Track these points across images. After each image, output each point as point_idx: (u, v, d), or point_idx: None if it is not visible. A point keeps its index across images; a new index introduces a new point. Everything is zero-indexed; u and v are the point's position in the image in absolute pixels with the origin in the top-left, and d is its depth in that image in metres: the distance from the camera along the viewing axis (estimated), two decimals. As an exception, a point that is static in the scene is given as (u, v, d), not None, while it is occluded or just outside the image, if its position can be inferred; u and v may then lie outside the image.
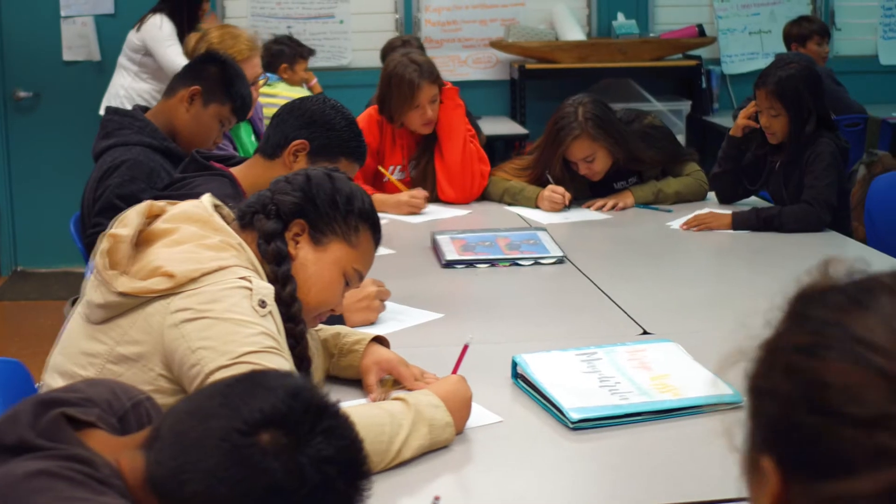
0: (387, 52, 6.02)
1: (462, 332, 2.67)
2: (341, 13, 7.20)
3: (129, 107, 4.70)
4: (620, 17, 7.16)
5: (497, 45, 7.02)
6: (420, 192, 4.12)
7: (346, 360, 2.30)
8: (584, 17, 7.28)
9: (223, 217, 2.11)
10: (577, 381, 2.21)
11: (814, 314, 0.94)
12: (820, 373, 0.89)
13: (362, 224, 2.11)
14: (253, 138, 4.25)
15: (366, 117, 4.31)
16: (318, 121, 2.84)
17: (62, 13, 6.96)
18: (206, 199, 2.09)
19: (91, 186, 3.29)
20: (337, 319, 2.64)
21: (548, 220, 3.98)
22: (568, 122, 4.02)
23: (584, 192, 4.23)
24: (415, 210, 4.07)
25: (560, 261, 3.33)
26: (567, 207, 4.09)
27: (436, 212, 4.14)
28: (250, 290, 1.91)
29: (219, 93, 3.36)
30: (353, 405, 2.05)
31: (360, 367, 2.28)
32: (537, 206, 4.12)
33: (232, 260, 1.95)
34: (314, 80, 6.37)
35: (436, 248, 3.45)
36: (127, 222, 1.98)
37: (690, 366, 2.28)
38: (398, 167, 4.31)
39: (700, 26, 7.01)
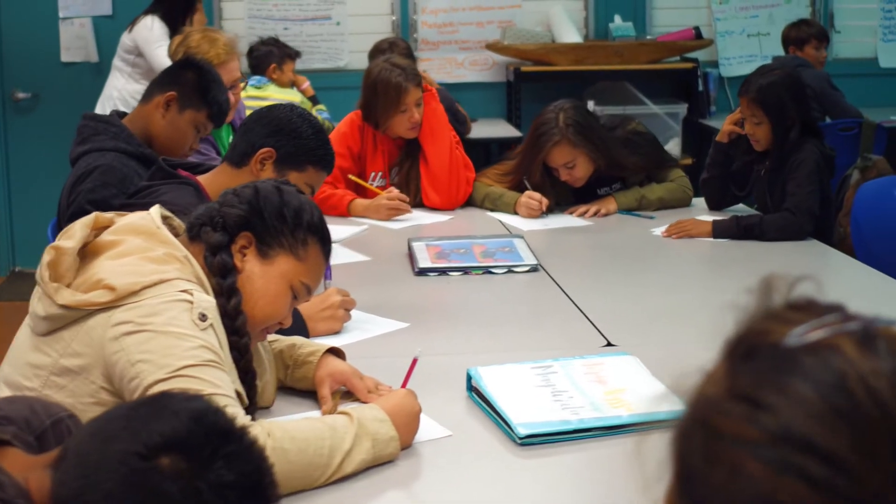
0: (373, 54, 6.01)
1: (425, 343, 2.67)
2: (338, 15, 7.19)
3: (122, 108, 4.72)
4: (617, 19, 7.14)
5: (493, 47, 7.00)
6: (395, 192, 4.10)
7: (301, 371, 2.30)
8: (581, 20, 7.26)
9: (174, 228, 2.11)
10: (530, 395, 2.19)
11: (743, 387, 0.84)
12: (739, 468, 0.81)
13: (311, 237, 2.09)
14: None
15: (348, 122, 4.31)
16: (284, 129, 2.83)
17: (60, 14, 6.98)
18: (155, 211, 2.08)
19: (66, 192, 3.29)
20: (301, 329, 2.64)
21: (528, 226, 3.97)
22: (548, 127, 4.01)
23: (567, 198, 4.21)
24: (395, 211, 4.06)
25: (534, 269, 3.32)
26: (546, 213, 4.07)
27: (418, 217, 4.13)
28: (191, 303, 1.90)
29: (195, 99, 3.35)
30: (295, 418, 2.05)
31: (313, 378, 2.27)
32: (516, 212, 4.11)
33: (174, 273, 1.95)
34: (306, 84, 6.38)
35: (411, 256, 3.44)
36: (71, 234, 1.98)
37: (647, 380, 2.26)
38: (379, 174, 4.30)
39: (697, 29, 6.98)
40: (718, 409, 0.84)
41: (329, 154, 2.90)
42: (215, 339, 1.92)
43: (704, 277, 3.40)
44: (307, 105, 6.16)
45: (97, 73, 6.88)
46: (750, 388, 0.83)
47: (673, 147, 6.85)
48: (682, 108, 6.91)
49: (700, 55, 7.10)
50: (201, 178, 2.87)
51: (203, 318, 1.90)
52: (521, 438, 2.04)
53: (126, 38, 6.03)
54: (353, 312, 2.82)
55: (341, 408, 2.09)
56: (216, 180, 2.86)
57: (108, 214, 2.07)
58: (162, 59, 5.66)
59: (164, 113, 3.35)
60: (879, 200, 4.15)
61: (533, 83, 7.00)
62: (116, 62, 6.09)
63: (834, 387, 0.80)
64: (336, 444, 1.90)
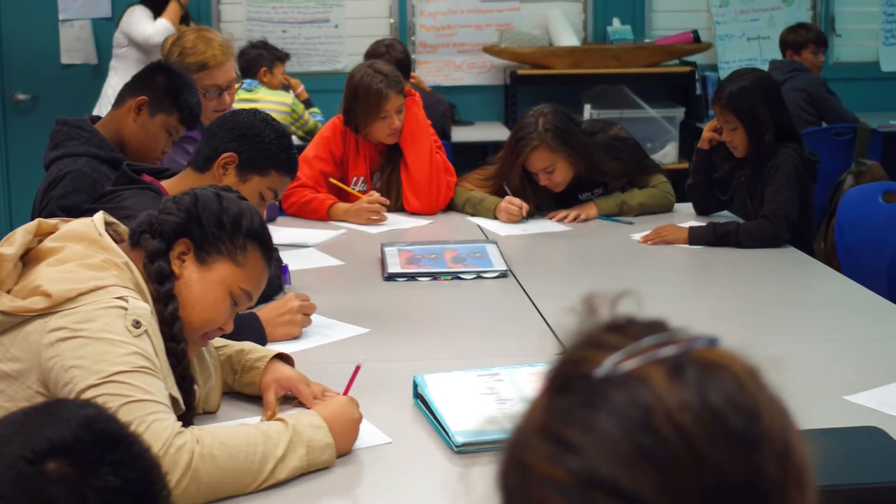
0: (369, 55, 6.02)
1: (383, 349, 2.69)
2: (336, 18, 7.21)
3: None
4: (616, 22, 7.13)
5: (490, 50, 7.01)
6: (375, 195, 4.11)
7: (248, 376, 2.31)
8: (580, 23, 7.26)
9: (119, 235, 2.12)
10: (473, 402, 2.20)
11: (553, 423, 0.82)
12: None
13: (250, 243, 2.10)
14: None
15: (330, 127, 4.32)
16: (247, 133, 2.85)
17: (60, 16, 7.02)
18: (98, 218, 2.10)
19: (38, 197, 3.31)
20: (258, 334, 2.66)
21: (506, 231, 3.97)
22: (527, 132, 4.01)
23: (548, 203, 4.21)
24: (374, 214, 4.07)
25: (503, 275, 3.32)
26: (526, 218, 4.07)
27: (398, 222, 4.14)
28: (125, 309, 1.92)
29: (166, 103, 3.36)
30: (230, 424, 2.06)
31: (259, 384, 2.28)
32: (497, 217, 4.11)
33: (111, 279, 1.96)
34: (301, 88, 6.40)
35: (382, 261, 3.44)
36: (12, 241, 2.00)
37: (591, 388, 2.26)
38: (361, 178, 4.31)
39: (695, 32, 6.97)
40: (530, 447, 0.82)
41: (292, 159, 2.91)
42: (150, 345, 1.93)
43: (675, 285, 3.39)
44: (300, 108, 6.18)
45: (96, 74, 6.91)
46: (559, 425, 0.81)
47: (670, 151, 6.85)
48: (679, 112, 6.90)
49: (699, 59, 7.09)
50: (166, 183, 2.89)
51: (137, 324, 1.91)
52: (457, 446, 2.05)
53: (116, 34, 6.12)
54: (314, 317, 2.83)
55: (281, 414, 2.10)
56: (180, 185, 2.86)
57: (52, 221, 2.09)
58: (142, 29, 5.80)
59: (135, 117, 3.36)
60: (864, 207, 4.13)
61: (530, 86, 7.00)
62: (112, 62, 6.16)
63: (639, 424, 0.78)
64: (269, 450, 1.92)
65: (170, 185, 2.88)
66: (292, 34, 7.17)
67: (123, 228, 2.15)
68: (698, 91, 6.98)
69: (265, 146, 2.85)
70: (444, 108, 6.17)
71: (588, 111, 6.76)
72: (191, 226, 2.07)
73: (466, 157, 6.07)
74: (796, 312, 2.99)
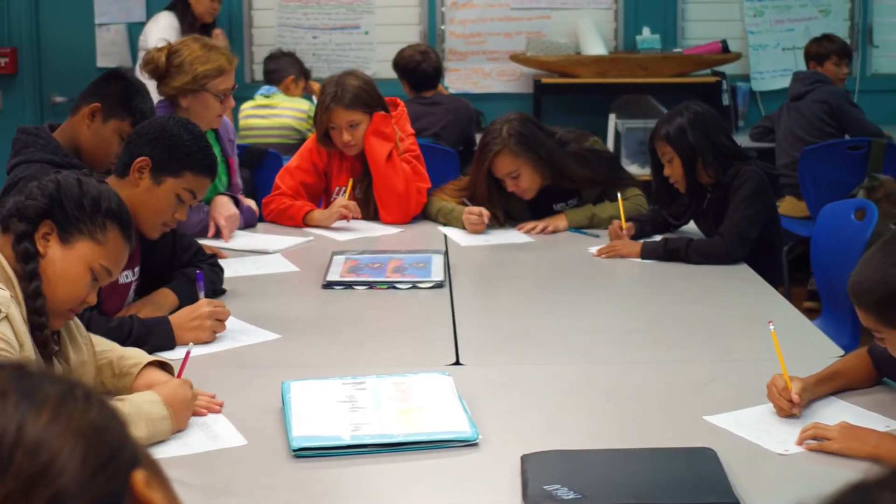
0: (398, 61, 6.11)
1: (285, 354, 2.76)
2: (366, 24, 7.29)
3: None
4: (646, 31, 7.10)
5: (517, 58, 7.03)
6: (349, 203, 4.18)
7: (123, 381, 2.41)
8: (610, 31, 7.25)
9: None
10: (327, 409, 2.25)
11: None
12: None
13: (110, 222, 2.28)
14: (219, 158, 4.29)
15: (314, 138, 4.39)
16: (160, 137, 2.94)
17: (96, 21, 7.22)
18: None
19: (-7, 203, 3.44)
20: (167, 336, 2.75)
21: (468, 241, 4.01)
22: (492, 137, 4.06)
23: (523, 213, 4.24)
24: (345, 210, 4.14)
25: (439, 285, 3.36)
26: (492, 227, 4.11)
27: (369, 230, 4.21)
28: None
29: (118, 108, 3.47)
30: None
31: (131, 389, 2.37)
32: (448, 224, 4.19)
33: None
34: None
35: (327, 268, 3.51)
36: None
37: (448, 401, 2.30)
38: (343, 189, 4.38)
39: (724, 42, 6.90)
40: None
41: (207, 160, 2.99)
42: (10, 330, 2.07)
43: (607, 299, 3.35)
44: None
45: (132, 78, 7.09)
46: None
47: (695, 161, 6.79)
48: (705, 123, 6.83)
49: (731, 69, 7.02)
50: (96, 189, 2.98)
51: None
52: (294, 451, 2.10)
53: (140, 38, 6.29)
54: (231, 321, 2.91)
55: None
56: (107, 192, 2.97)
57: None
58: (150, 38, 5.96)
59: (89, 123, 3.48)
60: (838, 222, 4.08)
61: (557, 95, 7.01)
62: (137, 65, 6.33)
63: None
64: None
65: (98, 191, 2.98)
66: (323, 40, 7.28)
67: None
68: (726, 102, 6.90)
69: (179, 148, 2.94)
70: (470, 114, 6.22)
71: (613, 121, 6.75)
72: (53, 208, 2.25)
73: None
74: (710, 330, 2.99)
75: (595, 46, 6.99)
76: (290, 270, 3.64)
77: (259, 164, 5.52)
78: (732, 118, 6.97)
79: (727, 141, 3.79)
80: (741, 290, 3.40)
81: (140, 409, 2.15)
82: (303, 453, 2.11)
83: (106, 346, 2.46)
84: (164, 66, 4.05)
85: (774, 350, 2.33)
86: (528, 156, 4.03)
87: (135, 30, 7.20)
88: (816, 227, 4.20)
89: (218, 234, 4.02)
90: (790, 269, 5.52)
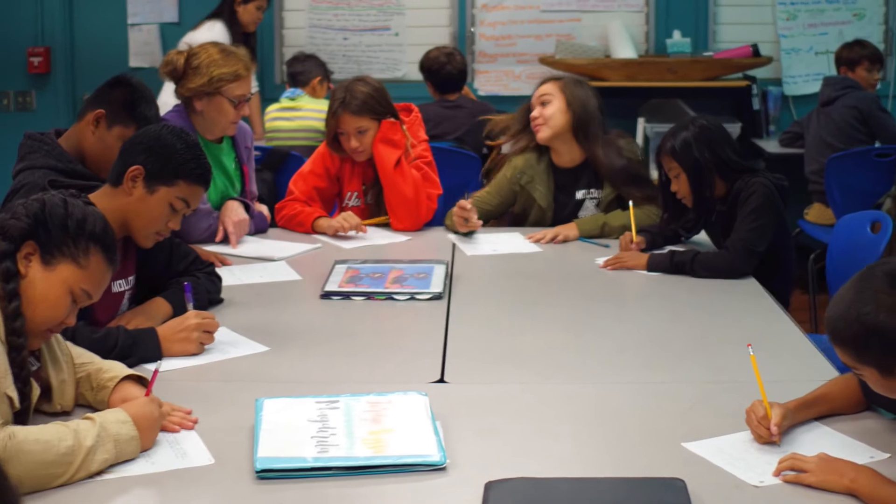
0: (424, 62, 6.09)
1: (276, 370, 2.74)
2: (397, 26, 7.28)
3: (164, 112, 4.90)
4: (676, 34, 7.02)
5: (546, 61, 6.98)
6: (349, 216, 4.17)
7: (100, 395, 2.41)
8: (642, 34, 7.18)
9: None
10: (296, 429, 2.24)
11: None
12: None
13: (93, 246, 2.27)
14: (234, 165, 4.31)
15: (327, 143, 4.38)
16: (153, 146, 2.95)
17: (129, 21, 7.28)
18: None
19: (-1, 208, 3.46)
20: (154, 348, 2.74)
21: (476, 251, 3.99)
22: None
23: (546, 193, 4.27)
24: (341, 230, 4.14)
25: (437, 297, 3.33)
26: (471, 234, 4.14)
27: (377, 237, 4.19)
28: None
29: (122, 115, 3.48)
30: (41, 426, 2.14)
31: (108, 403, 2.37)
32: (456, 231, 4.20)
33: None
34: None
35: (327, 278, 3.49)
36: None
37: (421, 423, 2.27)
38: (355, 194, 4.37)
39: (755, 46, 6.81)
40: None
41: (201, 168, 2.98)
42: None
43: (606, 313, 3.28)
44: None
45: (163, 78, 7.12)
46: None
47: (725, 166, 6.70)
48: (735, 128, 6.74)
49: (762, 73, 6.93)
50: (91, 197, 2.98)
51: None
52: (257, 472, 2.09)
53: (185, 39, 6.24)
54: (223, 333, 2.91)
55: (87, 413, 2.22)
56: (99, 200, 2.95)
57: None
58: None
59: (94, 130, 3.50)
60: (853, 234, 4.01)
61: (585, 98, 6.94)
62: None
63: None
64: (78, 444, 2.08)
65: (93, 200, 2.98)
66: (353, 42, 7.28)
67: None
68: (757, 106, 6.81)
69: (172, 157, 2.94)
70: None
71: (641, 125, 6.69)
72: (37, 229, 2.25)
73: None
74: (705, 349, 2.93)
75: (625, 49, 6.93)
76: (291, 279, 3.63)
77: (282, 167, 5.53)
78: (763, 123, 6.89)
79: (734, 154, 3.72)
80: (745, 306, 3.34)
81: (108, 429, 2.14)
82: (266, 475, 2.09)
83: (86, 359, 2.47)
84: (182, 67, 4.06)
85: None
86: (567, 94, 4.19)
87: (167, 30, 7.24)
88: (833, 238, 4.14)
89: (226, 240, 4.03)
90: (818, 277, 5.43)
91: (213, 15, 6.43)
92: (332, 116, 4.23)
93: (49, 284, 2.23)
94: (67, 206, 2.29)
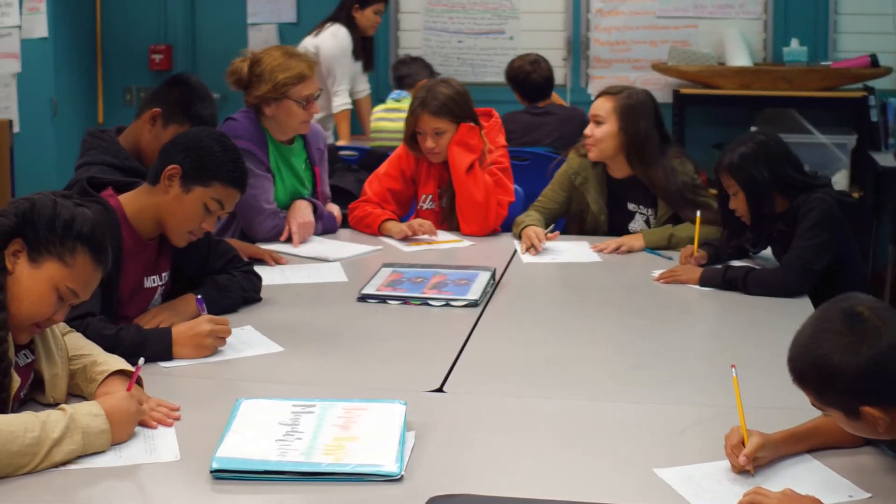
0: (508, 72, 6.07)
1: (281, 370, 2.77)
2: (511, 30, 7.26)
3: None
4: (794, 43, 6.81)
5: (658, 67, 6.87)
6: (423, 223, 4.18)
7: (91, 387, 2.47)
8: (759, 42, 7.00)
9: None
10: (263, 430, 2.25)
11: None
12: None
13: (80, 246, 2.33)
14: (304, 166, 4.37)
15: (404, 145, 4.40)
16: (192, 147, 3.01)
17: (249, 20, 7.44)
18: None
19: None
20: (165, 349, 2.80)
21: (534, 258, 3.95)
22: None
23: (598, 197, 4.22)
24: (405, 234, 4.15)
25: (473, 304, 3.31)
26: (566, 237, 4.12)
27: (441, 240, 4.19)
28: None
29: (178, 114, 3.57)
30: (12, 415, 2.20)
31: (95, 396, 2.43)
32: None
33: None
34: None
35: (369, 280, 3.51)
36: None
37: (389, 433, 2.25)
38: (430, 197, 4.38)
39: (874, 56, 6.55)
40: None
41: (237, 172, 3.03)
42: None
43: (631, 329, 3.16)
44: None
45: (281, 77, 7.26)
46: None
47: (840, 179, 6.49)
48: (850, 140, 6.52)
49: (881, 83, 6.67)
50: (125, 196, 3.07)
51: None
52: (211, 471, 2.11)
53: (308, 42, 6.34)
54: (242, 331, 2.96)
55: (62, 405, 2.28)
56: (136, 198, 3.06)
57: None
58: (324, 49, 6.05)
59: (150, 128, 3.59)
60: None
61: (697, 106, 6.81)
62: None
63: None
64: (45, 435, 2.13)
65: (127, 199, 3.06)
66: (468, 45, 7.29)
67: None
68: (875, 118, 6.56)
69: (209, 159, 3.00)
70: (584, 124, 6.09)
71: (754, 135, 6.50)
72: (24, 228, 2.32)
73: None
74: (724, 370, 2.82)
75: (740, 57, 6.76)
76: (338, 281, 3.65)
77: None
78: (882, 135, 6.62)
79: (794, 171, 3.59)
80: (788, 327, 3.20)
81: (78, 421, 2.18)
82: (221, 475, 2.11)
83: (86, 352, 2.53)
84: (247, 76, 4.14)
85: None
86: (619, 117, 4.11)
87: (285, 30, 7.38)
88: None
89: (290, 239, 4.08)
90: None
91: (332, 19, 6.51)
92: (412, 115, 4.27)
93: (34, 281, 2.30)
94: (56, 206, 2.35)
